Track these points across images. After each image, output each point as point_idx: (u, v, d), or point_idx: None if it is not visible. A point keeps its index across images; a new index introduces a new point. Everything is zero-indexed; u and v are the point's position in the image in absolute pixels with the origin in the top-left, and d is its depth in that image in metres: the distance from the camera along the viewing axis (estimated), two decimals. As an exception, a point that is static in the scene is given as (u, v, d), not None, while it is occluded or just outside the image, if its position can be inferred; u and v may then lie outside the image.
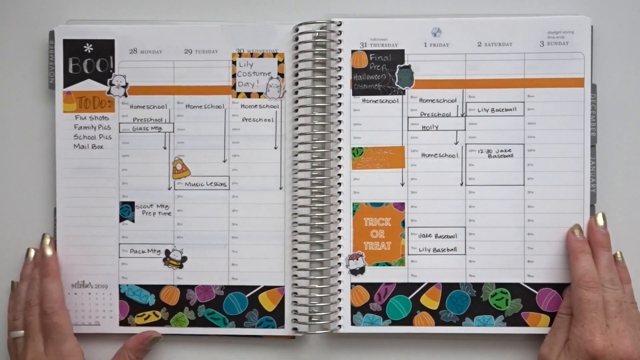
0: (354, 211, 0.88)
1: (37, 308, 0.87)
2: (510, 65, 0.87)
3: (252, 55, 0.89)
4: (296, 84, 0.89)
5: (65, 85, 0.89)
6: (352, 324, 0.88)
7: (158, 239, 0.90)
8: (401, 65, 0.88)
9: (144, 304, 0.89)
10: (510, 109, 0.88)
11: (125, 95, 0.90)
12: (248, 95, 0.89)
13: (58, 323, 0.86)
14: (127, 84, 0.89)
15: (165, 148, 0.90)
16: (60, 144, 0.90)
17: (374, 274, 0.88)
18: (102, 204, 0.89)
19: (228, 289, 0.89)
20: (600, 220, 0.86)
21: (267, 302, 0.89)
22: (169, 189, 0.89)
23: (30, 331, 0.86)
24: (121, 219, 0.90)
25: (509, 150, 0.88)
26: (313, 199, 0.88)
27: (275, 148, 0.89)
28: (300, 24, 0.88)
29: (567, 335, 0.84)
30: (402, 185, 0.88)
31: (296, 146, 0.89)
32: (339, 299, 0.88)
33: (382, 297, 0.88)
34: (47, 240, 0.89)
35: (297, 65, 0.89)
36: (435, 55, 0.88)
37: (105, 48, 0.89)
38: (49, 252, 0.88)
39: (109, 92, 0.90)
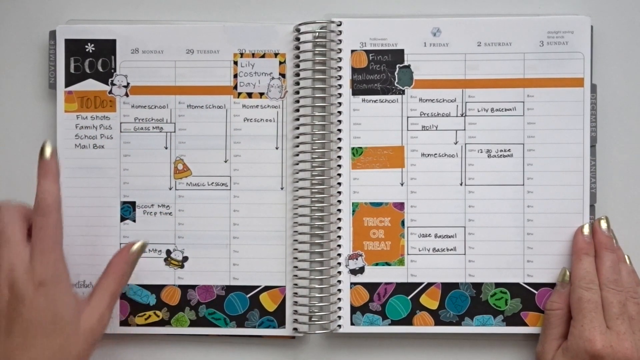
0: (353, 211, 0.88)
1: (14, 212, 0.79)
2: (510, 65, 0.87)
3: (253, 55, 0.89)
4: (297, 84, 0.89)
5: (67, 85, 0.90)
6: (352, 323, 0.88)
7: (159, 239, 0.90)
8: (401, 65, 0.88)
9: (144, 303, 0.90)
10: (510, 109, 0.88)
11: (126, 95, 0.90)
12: (249, 95, 0.89)
13: (54, 224, 0.78)
14: (128, 83, 0.90)
15: (166, 148, 0.90)
16: (61, 143, 0.90)
17: (373, 274, 0.88)
18: (103, 203, 0.89)
19: (229, 289, 0.89)
20: (603, 224, 0.86)
21: (268, 302, 0.89)
22: (170, 189, 0.90)
23: (2, 237, 0.77)
24: (122, 219, 0.90)
25: (509, 150, 0.88)
26: (313, 199, 0.88)
27: (277, 148, 0.89)
28: (300, 24, 0.88)
29: (559, 332, 0.85)
30: (402, 185, 0.88)
31: (297, 146, 0.89)
32: (339, 299, 0.88)
33: (381, 297, 0.88)
34: (48, 145, 0.81)
35: (297, 66, 0.89)
36: (435, 55, 0.88)
37: (106, 48, 0.90)
38: (48, 152, 0.80)
39: (110, 92, 0.90)
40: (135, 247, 0.84)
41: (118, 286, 0.83)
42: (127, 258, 0.84)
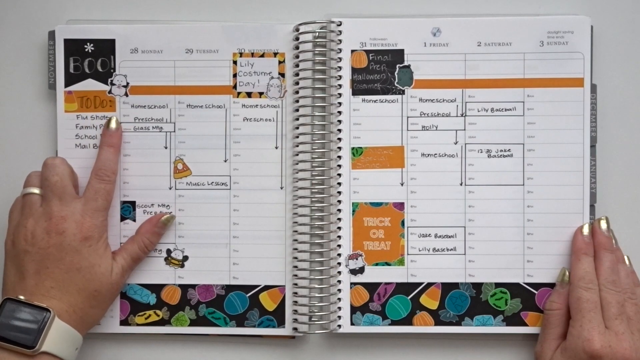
0: (353, 211, 0.88)
1: (67, 168, 0.87)
2: (510, 65, 0.87)
3: (252, 55, 0.89)
4: (297, 83, 0.89)
5: (67, 84, 0.90)
6: (352, 323, 0.88)
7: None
8: (401, 65, 0.88)
9: (145, 303, 0.90)
10: (510, 109, 0.88)
11: (126, 94, 0.90)
12: (249, 95, 0.89)
13: (109, 192, 0.87)
14: (128, 83, 0.90)
15: (166, 148, 0.90)
16: (62, 143, 0.90)
17: (373, 274, 0.88)
18: (103, 203, 0.89)
19: (229, 288, 0.89)
20: (603, 224, 0.86)
21: (268, 302, 0.89)
22: (170, 188, 0.90)
23: (55, 189, 0.85)
24: (122, 219, 0.90)
25: (509, 150, 0.88)
26: (313, 199, 0.88)
27: (276, 148, 0.89)
28: (300, 24, 0.88)
29: (558, 332, 0.85)
30: (402, 185, 0.88)
31: (297, 146, 0.89)
32: (339, 299, 0.88)
33: (381, 297, 0.88)
34: (114, 118, 0.89)
35: (297, 65, 0.89)
36: (435, 55, 0.88)
37: (106, 47, 0.90)
38: (113, 124, 0.89)
39: (110, 92, 0.90)
40: (163, 218, 0.89)
41: (141, 252, 0.88)
42: (153, 229, 0.88)
